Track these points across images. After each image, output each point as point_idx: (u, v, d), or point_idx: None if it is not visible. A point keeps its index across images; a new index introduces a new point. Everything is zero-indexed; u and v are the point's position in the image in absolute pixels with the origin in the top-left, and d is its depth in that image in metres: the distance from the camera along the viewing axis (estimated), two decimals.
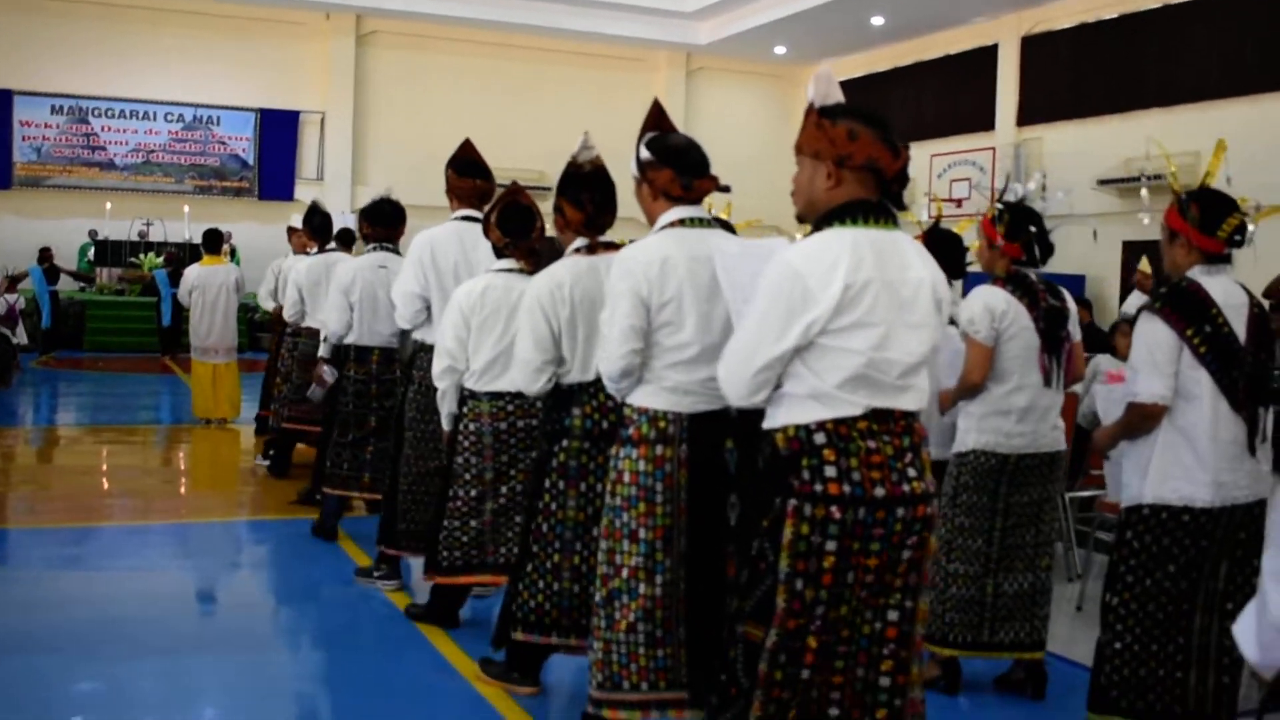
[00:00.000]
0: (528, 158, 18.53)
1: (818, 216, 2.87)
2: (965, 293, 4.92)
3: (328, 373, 6.82)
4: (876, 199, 2.86)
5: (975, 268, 5.68)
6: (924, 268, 2.87)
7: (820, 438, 2.75)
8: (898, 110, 19.38)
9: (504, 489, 4.83)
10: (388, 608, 5.43)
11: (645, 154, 3.57)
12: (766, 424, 2.86)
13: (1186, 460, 3.67)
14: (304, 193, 18.98)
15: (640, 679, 3.48)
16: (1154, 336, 3.69)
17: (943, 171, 18.40)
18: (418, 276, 5.44)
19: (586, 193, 4.12)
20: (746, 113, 22.24)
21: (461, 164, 5.60)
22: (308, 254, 8.60)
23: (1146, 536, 3.72)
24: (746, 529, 2.88)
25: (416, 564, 5.79)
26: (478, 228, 5.38)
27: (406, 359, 5.85)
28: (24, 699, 4.15)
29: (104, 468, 9.40)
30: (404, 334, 5.90)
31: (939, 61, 19.21)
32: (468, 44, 20.89)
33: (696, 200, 3.58)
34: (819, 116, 2.87)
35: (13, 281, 15.05)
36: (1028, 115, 17.48)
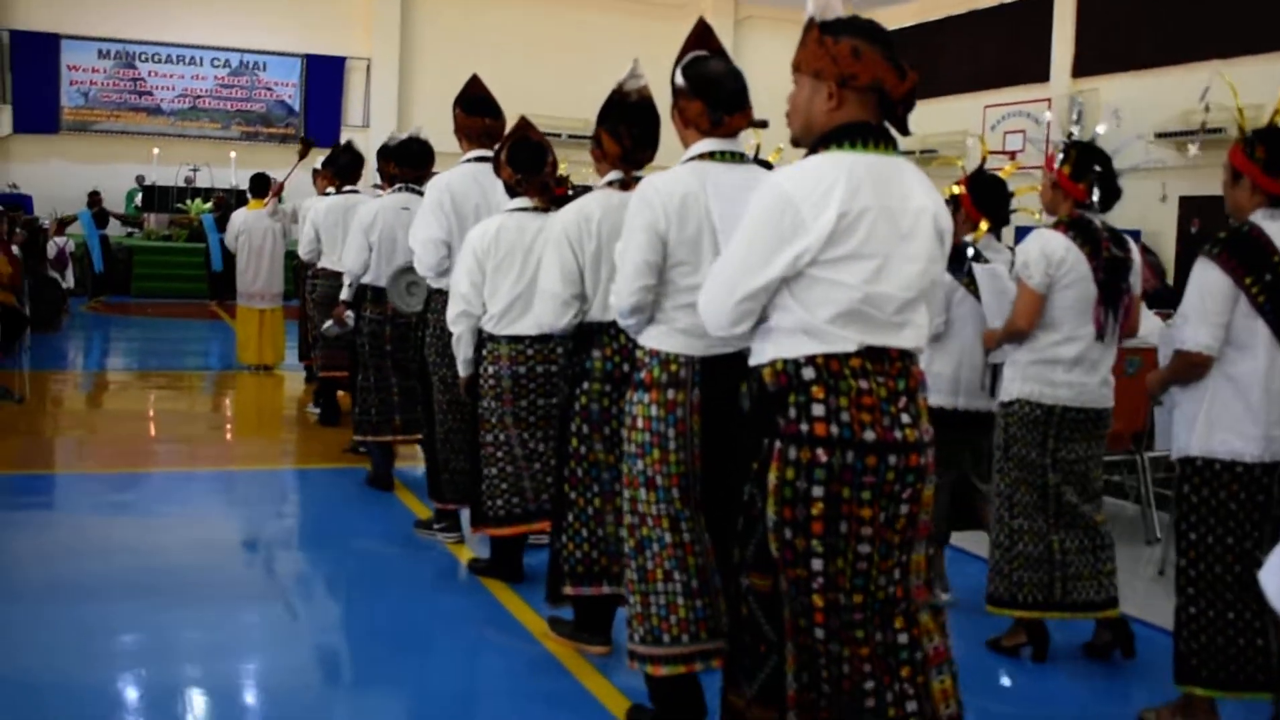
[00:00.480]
0: (572, 105, 18.37)
1: (814, 140, 2.68)
2: (1016, 241, 4.75)
3: (350, 317, 6.84)
4: (878, 122, 2.67)
5: (1021, 219, 5.55)
6: (925, 196, 2.67)
7: (809, 373, 2.57)
8: (952, 60, 19.05)
9: (526, 435, 4.77)
10: (449, 561, 5.35)
11: (679, 79, 3.39)
12: (753, 360, 2.71)
13: (1237, 411, 3.55)
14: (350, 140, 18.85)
15: (681, 630, 3.38)
16: (1208, 283, 3.55)
17: (996, 123, 18.08)
18: (440, 221, 5.29)
19: (625, 124, 3.95)
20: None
21: (470, 101, 5.42)
22: (328, 195, 8.57)
23: (1204, 490, 3.60)
24: (739, 475, 2.75)
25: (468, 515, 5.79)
26: (491, 167, 5.28)
27: (406, 307, 5.80)
28: (68, 646, 4.12)
29: (151, 413, 9.44)
30: (402, 282, 5.81)
31: (994, 10, 18.83)
32: None
33: (730, 134, 3.39)
34: (820, 32, 2.67)
35: (61, 225, 15.14)
36: (1083, 66, 17.13)
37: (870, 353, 2.60)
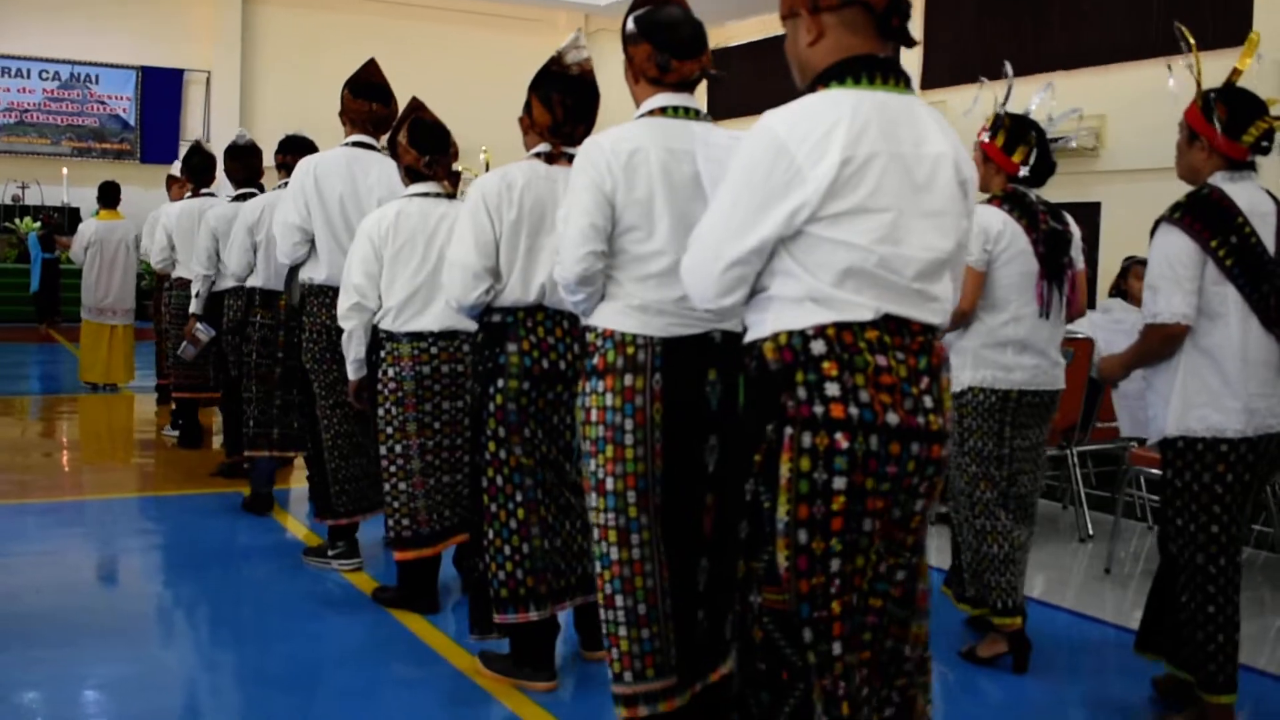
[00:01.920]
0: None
1: (809, 81, 2.33)
2: None
3: (201, 330, 6.46)
4: (883, 54, 2.29)
5: None
6: (943, 140, 2.32)
7: (819, 346, 2.20)
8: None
9: (428, 443, 4.38)
10: (346, 592, 4.84)
11: (629, 26, 3.08)
12: (751, 334, 2.33)
13: (1213, 385, 3.39)
14: (199, 140, 18.04)
15: (623, 668, 2.96)
16: (1174, 249, 3.39)
17: None
18: (299, 207, 4.94)
19: (559, 93, 3.63)
20: None
21: (359, 85, 5.09)
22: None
23: (1186, 473, 3.43)
24: (737, 471, 2.34)
25: (370, 535, 5.34)
26: (370, 155, 5.00)
27: (295, 299, 5.41)
28: None
29: None
30: (291, 275, 5.44)
31: None
32: (361, 2, 20.14)
33: (682, 87, 3.07)
34: None
35: None
36: (931, 78, 17.38)
37: (889, 323, 2.24)
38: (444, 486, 4.45)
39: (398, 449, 4.40)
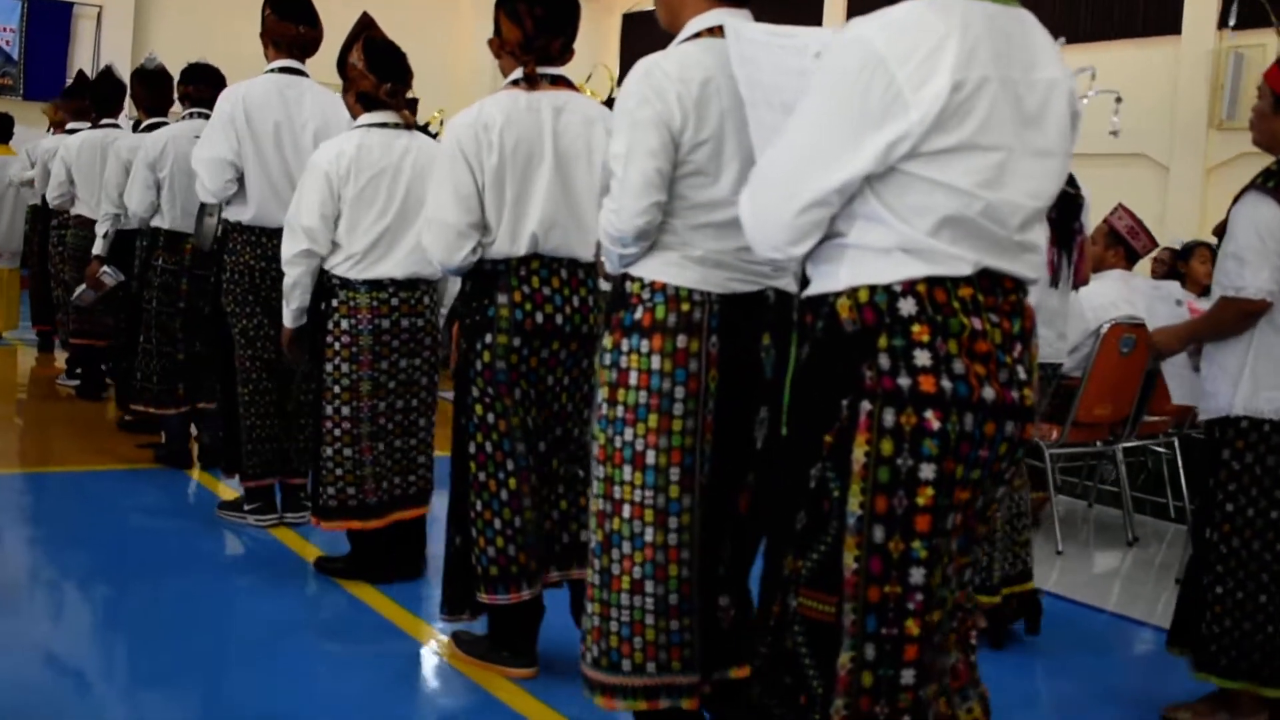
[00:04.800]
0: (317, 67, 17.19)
1: None
2: None
3: (108, 274, 5.97)
4: None
5: None
6: (1056, 65, 1.97)
7: (908, 305, 1.86)
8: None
9: (381, 405, 3.99)
10: (278, 551, 4.40)
11: None
12: (817, 287, 1.98)
13: None
14: (110, 65, 17.14)
15: (646, 658, 2.60)
16: (1265, 219, 3.14)
17: None
18: (229, 139, 4.47)
19: (526, 2, 3.21)
20: None
21: (284, 5, 4.62)
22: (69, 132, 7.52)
23: (1248, 455, 3.21)
24: (796, 452, 1.99)
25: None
26: (302, 82, 4.59)
27: (207, 243, 4.98)
28: None
29: None
30: (201, 213, 5.00)
31: None
32: None
33: (739, 2, 2.63)
34: None
35: None
36: None
37: (984, 280, 1.90)
38: (395, 451, 4.06)
39: (345, 410, 3.98)
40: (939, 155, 1.84)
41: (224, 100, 4.57)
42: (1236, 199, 3.24)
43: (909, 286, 1.87)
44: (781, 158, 1.96)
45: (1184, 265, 6.80)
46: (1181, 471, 5.80)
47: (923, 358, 1.85)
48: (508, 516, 3.27)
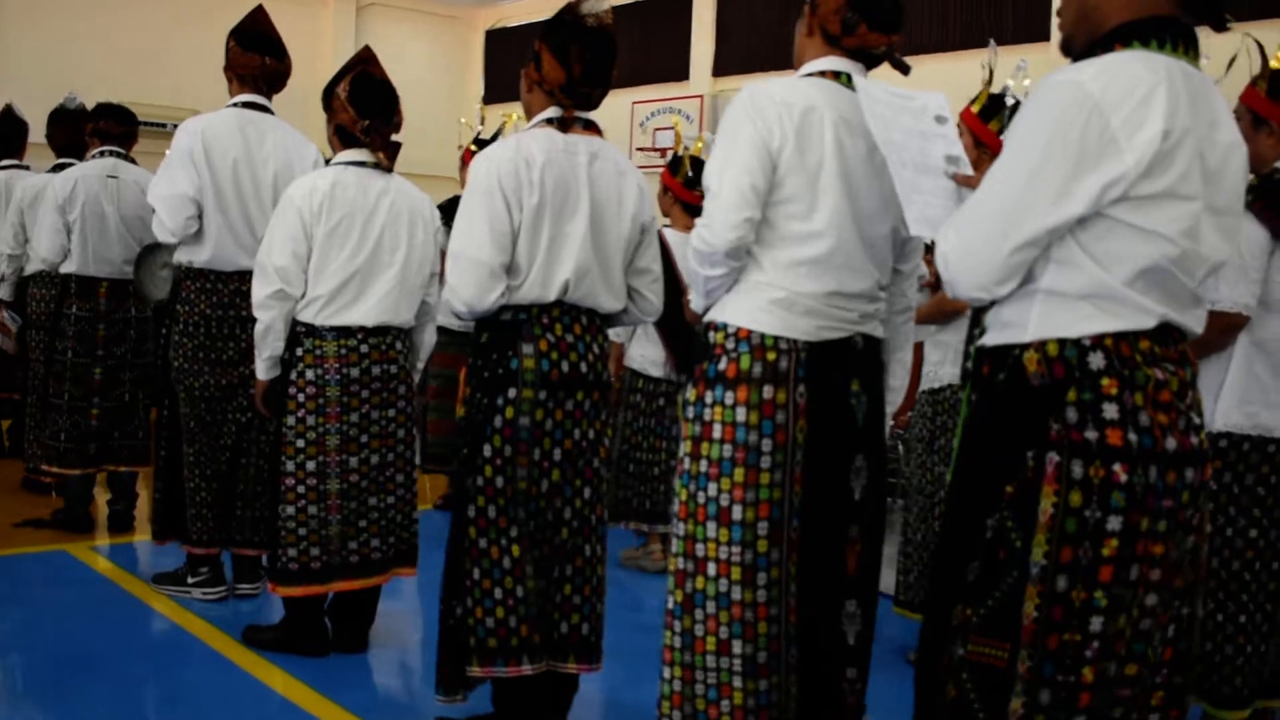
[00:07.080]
0: (181, 94, 16.47)
1: (1094, 37, 2.00)
2: None
3: (9, 319, 5.59)
4: (1182, 18, 1.98)
5: None
6: (1234, 129, 2.03)
7: (1097, 360, 1.90)
8: None
9: (353, 461, 3.71)
10: (175, 632, 4.03)
11: None
12: (1000, 337, 2.00)
13: (1265, 380, 3.19)
14: (10, 104, 16.17)
15: None
16: (1245, 236, 3.11)
17: (645, 120, 17.91)
18: (189, 174, 4.18)
19: (579, 45, 3.04)
20: (422, 56, 20.96)
21: (248, 36, 4.38)
22: None
23: (1226, 474, 3.19)
24: (968, 502, 2.00)
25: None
26: (265, 119, 4.32)
27: (161, 292, 4.64)
28: None
29: None
30: (147, 261, 4.70)
31: (631, 7, 18.69)
32: None
33: (857, 57, 2.60)
34: None
35: None
36: (722, 65, 17.28)
37: (1160, 332, 1.95)
38: (370, 511, 3.76)
39: (310, 465, 3.69)
40: (1146, 201, 1.88)
41: (183, 133, 4.26)
42: None
43: (1098, 340, 1.92)
44: (992, 196, 1.97)
45: None
46: None
47: (1110, 411, 1.89)
48: (509, 585, 3.04)
